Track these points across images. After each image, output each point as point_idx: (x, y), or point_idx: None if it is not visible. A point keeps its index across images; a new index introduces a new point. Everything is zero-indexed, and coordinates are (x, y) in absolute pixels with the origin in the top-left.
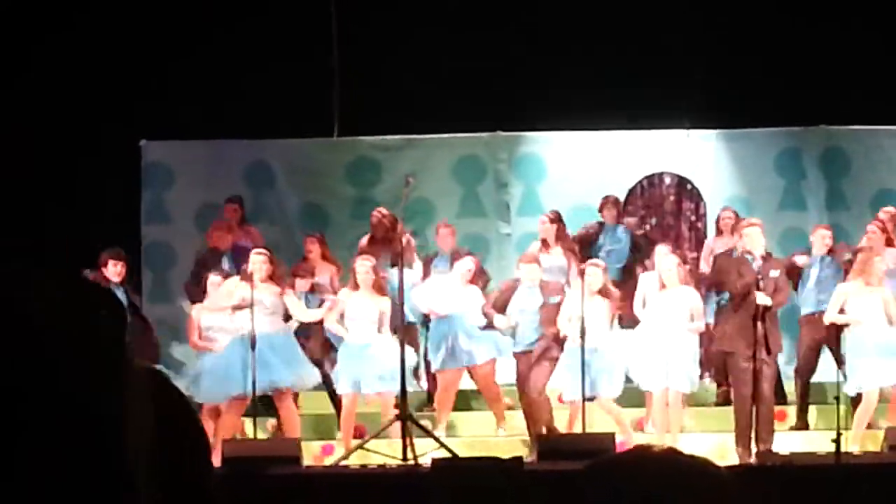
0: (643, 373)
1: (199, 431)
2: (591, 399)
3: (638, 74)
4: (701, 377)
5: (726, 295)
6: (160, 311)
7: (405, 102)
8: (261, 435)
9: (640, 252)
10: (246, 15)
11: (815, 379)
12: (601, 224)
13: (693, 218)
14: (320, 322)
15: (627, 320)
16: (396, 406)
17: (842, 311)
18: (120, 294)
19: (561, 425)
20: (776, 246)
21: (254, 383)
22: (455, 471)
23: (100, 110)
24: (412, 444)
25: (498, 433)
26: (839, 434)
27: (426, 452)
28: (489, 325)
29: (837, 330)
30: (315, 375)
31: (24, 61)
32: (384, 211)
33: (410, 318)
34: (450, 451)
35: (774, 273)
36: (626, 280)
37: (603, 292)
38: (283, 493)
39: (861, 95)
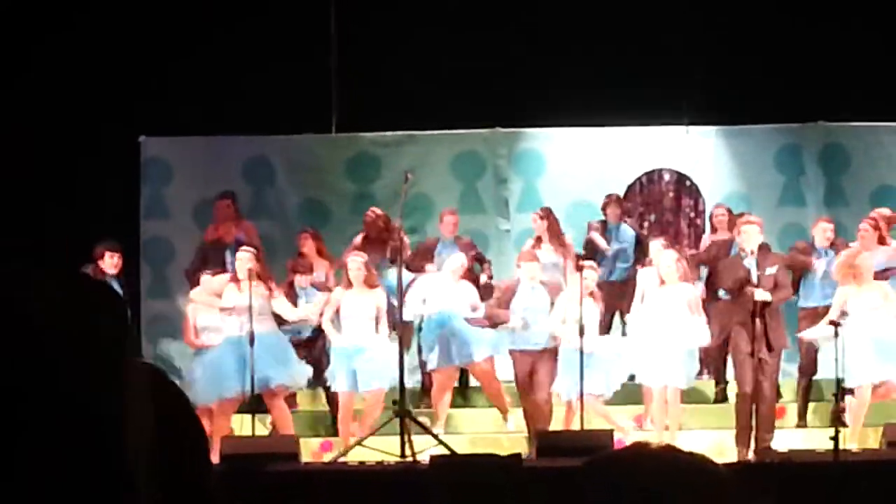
0: (642, 369)
1: (198, 431)
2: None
3: (638, 74)
4: (700, 374)
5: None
6: (159, 306)
7: (405, 102)
8: (260, 432)
9: (644, 252)
10: (246, 14)
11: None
12: (604, 223)
13: (692, 214)
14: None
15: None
16: (395, 402)
17: (843, 312)
18: (116, 286)
19: (557, 424)
20: (776, 242)
21: (252, 381)
22: (453, 467)
23: (101, 110)
24: (410, 441)
25: (506, 427)
26: (837, 431)
27: (424, 449)
28: (493, 325)
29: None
30: (306, 374)
31: (24, 61)
32: (378, 211)
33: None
34: (448, 447)
35: (771, 270)
36: (630, 280)
37: (593, 294)
38: (281, 489)
39: (860, 92)
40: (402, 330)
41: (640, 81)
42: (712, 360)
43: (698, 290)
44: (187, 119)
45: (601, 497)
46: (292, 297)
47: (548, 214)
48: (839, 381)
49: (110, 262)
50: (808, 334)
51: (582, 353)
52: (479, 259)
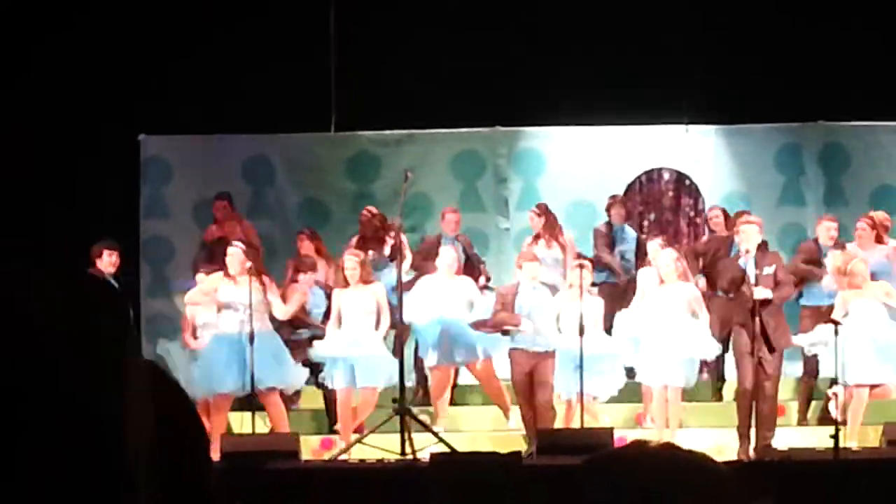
0: (643, 368)
1: (199, 430)
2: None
3: (638, 74)
4: (700, 372)
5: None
6: (158, 305)
7: (405, 103)
8: (260, 429)
9: (643, 254)
10: (246, 14)
11: None
12: (609, 224)
13: (692, 214)
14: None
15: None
16: (395, 400)
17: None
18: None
19: (557, 423)
20: (775, 241)
21: (252, 379)
22: (454, 466)
23: (101, 109)
24: (411, 439)
25: (507, 425)
26: (837, 429)
27: (424, 447)
28: (504, 332)
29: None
30: (301, 377)
31: (24, 61)
32: (373, 210)
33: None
34: (448, 445)
35: (769, 269)
36: (632, 281)
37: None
38: (281, 487)
39: (860, 92)
40: (402, 329)
41: (640, 81)
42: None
43: (699, 287)
44: (187, 119)
45: (601, 495)
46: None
47: (545, 211)
48: (833, 381)
49: (108, 261)
50: (799, 340)
51: (582, 351)
52: (476, 260)
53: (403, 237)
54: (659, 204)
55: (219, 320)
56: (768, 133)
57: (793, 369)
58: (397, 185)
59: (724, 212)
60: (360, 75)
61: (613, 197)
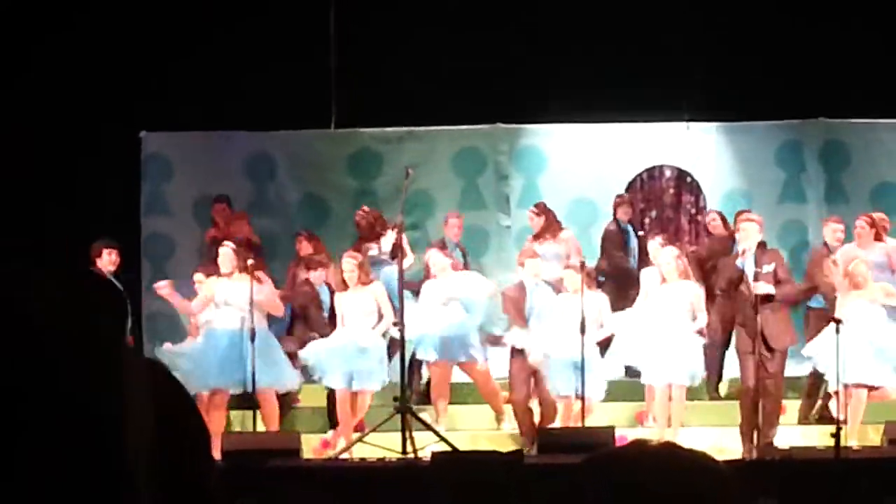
0: (645, 367)
1: (199, 429)
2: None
3: (638, 74)
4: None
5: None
6: (159, 303)
7: (405, 103)
8: (261, 428)
9: (644, 254)
10: (246, 14)
11: None
12: (618, 224)
13: (693, 211)
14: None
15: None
16: (395, 399)
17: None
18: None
19: (557, 421)
20: (776, 239)
21: (253, 377)
22: (455, 464)
23: (101, 107)
24: (412, 438)
25: (501, 428)
26: (839, 428)
27: (426, 446)
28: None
29: None
30: (294, 378)
31: (24, 60)
32: (367, 209)
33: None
34: (450, 444)
35: (768, 268)
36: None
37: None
38: (282, 486)
39: (860, 90)
40: (403, 326)
41: (640, 81)
42: (708, 358)
43: (701, 286)
44: (187, 118)
45: (601, 494)
46: (312, 295)
47: (543, 210)
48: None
49: (108, 260)
50: (808, 350)
51: (583, 349)
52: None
53: (404, 235)
54: (660, 201)
55: (214, 316)
56: (769, 130)
57: (798, 369)
58: (398, 182)
59: (722, 215)
60: (361, 75)
61: (621, 196)
